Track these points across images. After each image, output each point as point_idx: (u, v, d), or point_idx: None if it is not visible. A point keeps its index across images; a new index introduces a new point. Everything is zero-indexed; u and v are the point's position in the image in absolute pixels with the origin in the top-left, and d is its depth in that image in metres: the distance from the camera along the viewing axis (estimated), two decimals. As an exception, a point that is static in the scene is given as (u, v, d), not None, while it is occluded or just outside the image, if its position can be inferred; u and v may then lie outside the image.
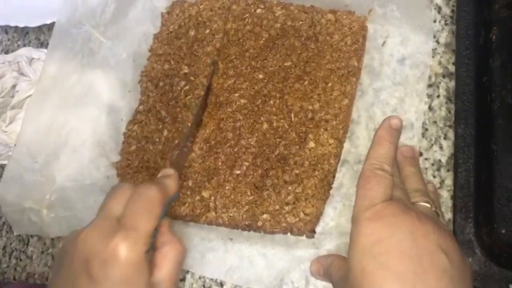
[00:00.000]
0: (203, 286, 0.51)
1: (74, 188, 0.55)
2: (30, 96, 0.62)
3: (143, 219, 0.38)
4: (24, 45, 0.68)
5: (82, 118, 0.57)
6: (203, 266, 0.50)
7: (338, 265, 0.42)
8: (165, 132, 0.54)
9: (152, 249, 0.39)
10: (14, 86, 0.65)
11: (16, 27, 0.67)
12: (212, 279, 0.51)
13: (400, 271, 0.35)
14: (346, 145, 0.50)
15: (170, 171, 0.45)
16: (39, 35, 0.67)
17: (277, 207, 0.48)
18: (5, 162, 0.60)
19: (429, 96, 0.49)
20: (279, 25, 0.54)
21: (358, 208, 0.40)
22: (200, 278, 0.52)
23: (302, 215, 0.48)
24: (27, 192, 0.56)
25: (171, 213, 0.51)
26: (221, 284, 0.51)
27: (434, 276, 0.35)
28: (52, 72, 0.59)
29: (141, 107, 0.57)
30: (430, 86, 0.49)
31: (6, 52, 0.69)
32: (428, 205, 0.41)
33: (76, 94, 0.58)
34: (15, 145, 0.58)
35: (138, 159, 0.54)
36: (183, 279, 0.52)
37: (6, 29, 0.69)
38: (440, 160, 0.47)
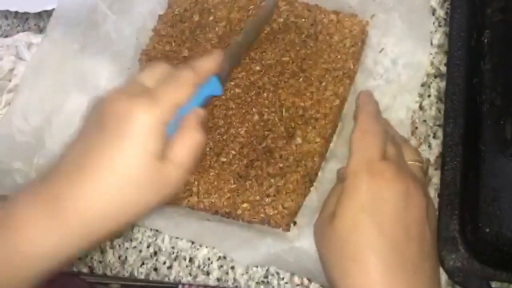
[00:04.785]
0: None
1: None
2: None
3: (170, 92, 0.37)
4: (24, 31, 0.68)
5: (79, 87, 0.57)
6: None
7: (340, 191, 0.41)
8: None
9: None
10: (11, 70, 0.65)
11: (16, 12, 0.68)
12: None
13: (391, 235, 0.37)
14: (334, 140, 0.50)
15: (216, 51, 0.42)
16: (39, 22, 0.68)
17: (258, 197, 0.48)
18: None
19: (420, 95, 0.49)
20: (282, 19, 0.54)
21: (357, 161, 0.40)
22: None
23: (280, 208, 0.48)
24: (17, 152, 0.55)
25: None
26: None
27: (416, 244, 0.38)
28: (54, 37, 0.59)
29: (137, 85, 0.57)
30: (421, 85, 0.49)
31: (6, 38, 0.69)
32: (420, 164, 0.43)
33: (75, 63, 0.58)
34: (10, 104, 0.58)
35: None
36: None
37: (6, 14, 0.70)
38: (428, 159, 0.47)
